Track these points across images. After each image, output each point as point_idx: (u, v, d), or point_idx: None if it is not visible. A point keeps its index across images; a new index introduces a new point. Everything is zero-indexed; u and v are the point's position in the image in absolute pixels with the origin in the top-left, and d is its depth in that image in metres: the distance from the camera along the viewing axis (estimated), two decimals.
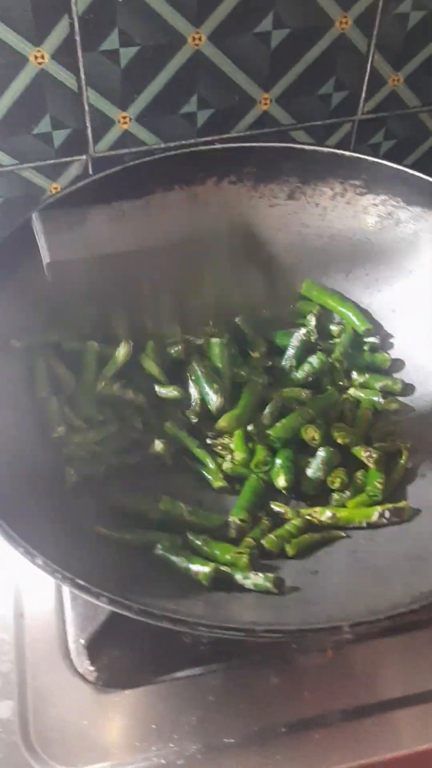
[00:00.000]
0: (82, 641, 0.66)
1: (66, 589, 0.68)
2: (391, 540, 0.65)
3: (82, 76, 0.80)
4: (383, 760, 0.60)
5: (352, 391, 0.77)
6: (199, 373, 0.73)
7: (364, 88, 0.90)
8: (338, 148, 0.92)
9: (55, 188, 0.88)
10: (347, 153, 0.80)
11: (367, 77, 0.89)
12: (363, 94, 0.90)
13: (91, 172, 0.87)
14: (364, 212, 0.81)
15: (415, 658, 0.66)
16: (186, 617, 0.50)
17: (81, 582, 0.51)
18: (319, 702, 0.63)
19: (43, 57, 0.77)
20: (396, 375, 0.79)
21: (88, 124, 0.84)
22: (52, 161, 0.86)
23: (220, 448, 0.72)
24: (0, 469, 0.60)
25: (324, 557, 0.65)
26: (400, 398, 0.77)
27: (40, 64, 0.77)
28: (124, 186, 0.79)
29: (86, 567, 0.55)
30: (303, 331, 0.78)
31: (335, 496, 0.70)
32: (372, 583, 0.60)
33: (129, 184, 0.79)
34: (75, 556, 0.56)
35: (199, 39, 0.80)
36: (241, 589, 0.62)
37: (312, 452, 0.71)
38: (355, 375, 0.78)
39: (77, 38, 0.77)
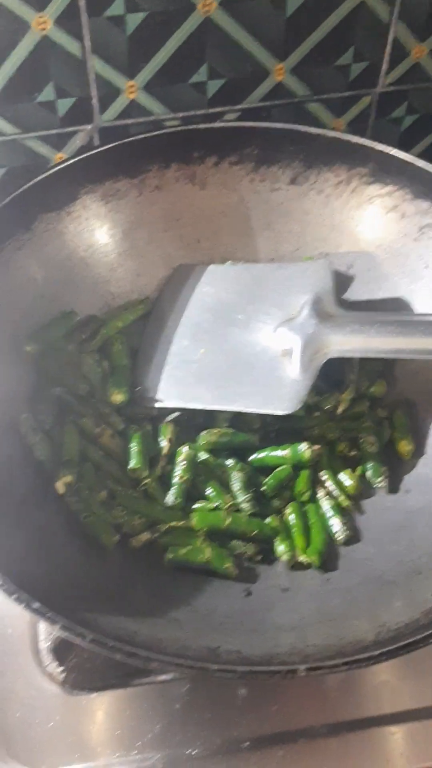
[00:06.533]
0: (51, 642, 0.65)
1: None
2: (366, 561, 0.63)
3: (87, 43, 0.77)
4: None
5: None
6: None
7: (386, 59, 0.85)
8: (357, 122, 0.91)
9: (60, 158, 0.86)
10: (354, 139, 0.75)
11: (388, 48, 0.84)
12: (384, 66, 0.86)
13: (97, 141, 0.85)
14: (368, 203, 0.77)
15: (402, 674, 0.65)
16: (139, 650, 0.49)
17: (36, 605, 0.50)
18: (287, 717, 0.62)
19: (45, 23, 0.75)
20: None
21: (94, 93, 0.81)
22: (56, 130, 0.83)
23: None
24: None
25: (298, 573, 0.64)
26: None
27: (42, 30, 0.75)
28: (119, 163, 0.77)
29: (45, 583, 0.54)
30: None
31: None
32: (339, 609, 0.59)
33: (124, 162, 0.77)
34: (34, 569, 0.55)
35: (210, 5, 0.77)
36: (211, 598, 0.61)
37: None
38: None
39: (81, 3, 0.74)
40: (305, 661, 0.50)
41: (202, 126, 0.78)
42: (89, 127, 0.84)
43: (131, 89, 0.82)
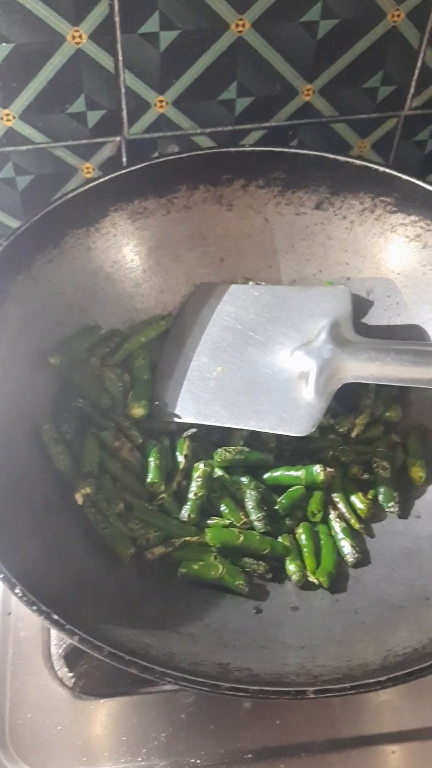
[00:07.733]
0: (63, 648, 0.67)
1: None
2: (376, 584, 0.65)
3: (120, 57, 0.78)
4: None
5: None
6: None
7: (413, 83, 0.86)
8: (381, 143, 0.92)
9: (87, 168, 0.87)
10: (381, 168, 0.77)
11: (417, 72, 0.85)
12: (412, 90, 0.87)
13: (124, 153, 0.86)
14: (391, 231, 0.79)
15: (403, 694, 0.66)
16: (153, 665, 0.50)
17: (56, 617, 0.51)
18: (290, 732, 0.64)
19: (81, 37, 0.76)
20: None
21: (124, 106, 0.82)
22: (85, 141, 0.85)
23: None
24: None
25: (307, 593, 0.65)
26: None
27: (77, 44, 0.76)
28: (148, 183, 0.79)
29: (63, 593, 0.56)
30: None
31: None
32: (347, 631, 0.60)
33: (153, 181, 0.79)
34: (52, 579, 0.57)
35: (243, 25, 0.78)
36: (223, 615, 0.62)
37: None
38: None
39: (116, 19, 0.75)
40: (314, 682, 0.52)
41: (232, 149, 0.80)
42: (117, 138, 0.85)
43: (161, 104, 0.83)
